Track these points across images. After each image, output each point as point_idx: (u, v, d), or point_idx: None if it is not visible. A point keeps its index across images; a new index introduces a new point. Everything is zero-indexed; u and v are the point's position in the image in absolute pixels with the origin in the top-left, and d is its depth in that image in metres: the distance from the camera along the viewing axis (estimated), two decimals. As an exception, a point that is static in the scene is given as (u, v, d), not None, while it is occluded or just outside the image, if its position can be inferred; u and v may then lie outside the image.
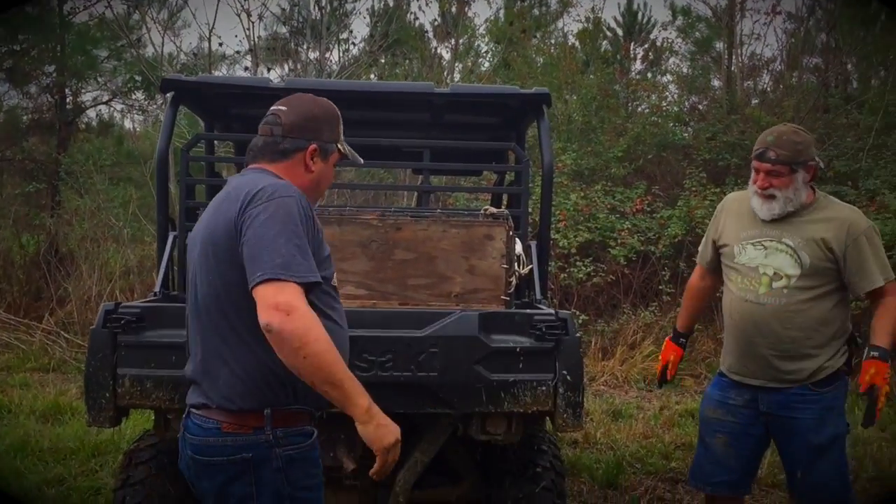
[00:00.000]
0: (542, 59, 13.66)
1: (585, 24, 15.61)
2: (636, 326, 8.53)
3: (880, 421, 6.24)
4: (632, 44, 16.30)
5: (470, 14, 14.68)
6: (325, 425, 2.28)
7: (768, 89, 13.33)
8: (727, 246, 3.29)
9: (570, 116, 11.08)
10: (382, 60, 13.99)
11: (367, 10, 13.95)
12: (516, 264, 3.57)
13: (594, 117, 11.01)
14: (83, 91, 12.86)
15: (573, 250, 8.81)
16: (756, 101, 12.91)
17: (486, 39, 15.30)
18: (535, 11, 16.41)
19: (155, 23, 11.78)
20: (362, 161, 2.57)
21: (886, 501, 4.72)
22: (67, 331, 8.67)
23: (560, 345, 2.99)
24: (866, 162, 9.63)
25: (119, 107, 13.85)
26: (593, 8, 18.68)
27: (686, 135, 11.30)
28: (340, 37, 13.01)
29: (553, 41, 15.44)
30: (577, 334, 3.04)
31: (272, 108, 2.34)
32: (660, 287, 8.93)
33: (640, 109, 12.43)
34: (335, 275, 2.31)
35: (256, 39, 11.78)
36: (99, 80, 12.60)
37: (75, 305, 9.13)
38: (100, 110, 13.98)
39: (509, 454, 3.43)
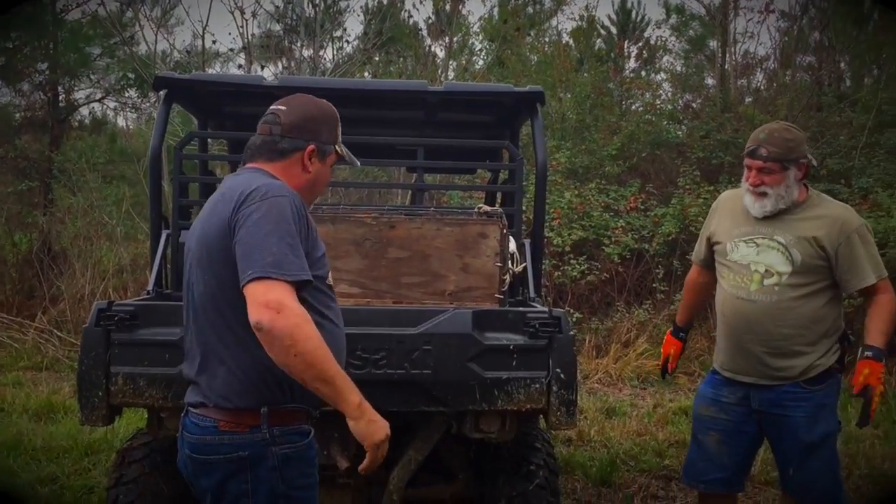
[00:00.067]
0: (536, 58, 13.68)
1: (579, 23, 15.66)
2: (630, 324, 8.55)
3: (873, 419, 6.30)
4: (626, 42, 16.30)
5: (464, 12, 14.70)
6: (318, 424, 2.28)
7: (762, 87, 13.34)
8: (720, 243, 3.31)
9: (564, 114, 11.09)
10: (376, 58, 13.96)
11: (361, 7, 13.95)
12: (510, 262, 3.58)
13: (588, 115, 11.02)
14: (76, 89, 12.82)
15: (567, 248, 8.83)
16: (750, 99, 12.94)
17: (481, 37, 15.31)
18: (530, 9, 16.41)
19: (148, 20, 11.74)
20: (359, 163, 2.59)
21: (879, 498, 4.74)
22: (60, 329, 8.65)
23: (554, 342, 2.99)
24: (859, 160, 9.66)
25: (112, 104, 13.79)
26: (587, 6, 18.71)
27: (680, 133, 11.31)
28: (334, 35, 13.01)
29: (547, 39, 15.47)
30: (571, 332, 3.04)
31: (271, 107, 2.35)
32: (653, 285, 8.94)
33: (633, 108, 12.44)
34: (330, 273, 2.32)
35: (250, 37, 11.73)
36: (92, 77, 12.54)
37: (68, 304, 9.11)
38: (93, 108, 13.94)
39: (503, 452, 3.43)
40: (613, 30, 16.86)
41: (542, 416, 3.18)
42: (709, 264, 3.44)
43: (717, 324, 3.42)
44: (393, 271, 3.37)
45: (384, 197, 11.38)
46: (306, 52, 13.15)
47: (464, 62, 14.67)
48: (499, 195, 5.10)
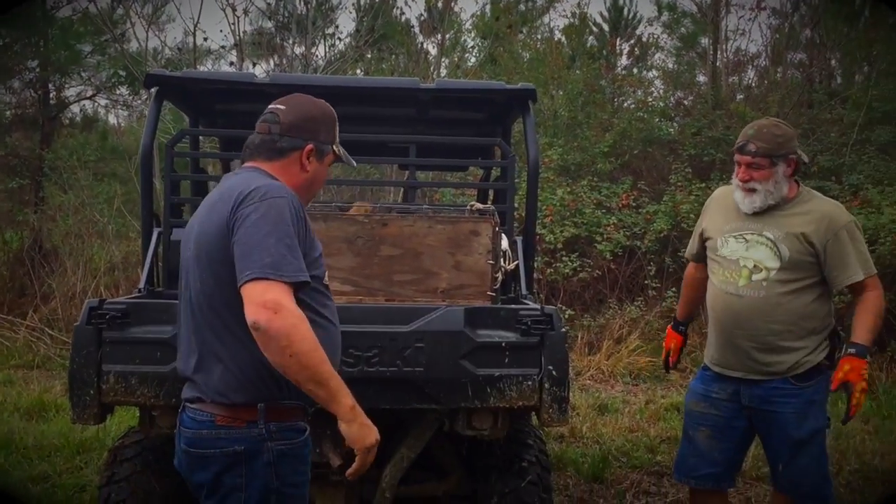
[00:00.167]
0: (528, 55, 13.68)
1: (571, 20, 15.66)
2: (622, 321, 8.57)
3: (863, 414, 6.34)
4: (618, 39, 16.33)
5: (456, 9, 14.69)
6: (311, 421, 2.28)
7: (753, 85, 13.39)
8: (711, 239, 3.33)
9: (556, 112, 11.11)
10: (368, 56, 13.95)
11: (353, 4, 13.87)
12: (502, 260, 3.58)
13: (580, 112, 11.03)
14: (67, 86, 12.75)
15: (559, 245, 8.84)
16: (741, 96, 12.97)
17: (473, 35, 15.30)
18: (522, 7, 16.40)
19: (139, 17, 11.71)
20: (355, 164, 2.61)
21: (870, 494, 4.77)
22: (52, 327, 8.62)
23: (545, 339, 3.00)
24: (850, 157, 9.71)
25: (103, 102, 13.74)
26: (579, 3, 18.65)
27: (672, 130, 11.35)
28: (326, 32, 12.97)
29: (539, 36, 15.47)
30: (563, 329, 3.05)
31: (270, 106, 2.37)
32: (645, 282, 8.97)
33: (625, 105, 12.47)
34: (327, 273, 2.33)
35: (242, 34, 11.72)
36: (83, 75, 12.48)
37: (59, 302, 9.07)
38: (84, 105, 13.89)
39: (495, 449, 3.44)
40: (605, 27, 16.89)
41: (534, 412, 3.19)
42: (703, 259, 3.45)
43: (707, 319, 3.43)
44: (385, 269, 3.38)
45: (376, 194, 11.37)
46: (298, 50, 13.13)
47: (456, 59, 14.67)
48: (491, 192, 5.10)
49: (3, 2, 8.77)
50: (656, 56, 15.31)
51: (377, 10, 13.07)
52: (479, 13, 15.18)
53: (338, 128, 2.43)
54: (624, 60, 16.10)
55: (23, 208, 11.07)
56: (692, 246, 3.52)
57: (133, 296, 3.67)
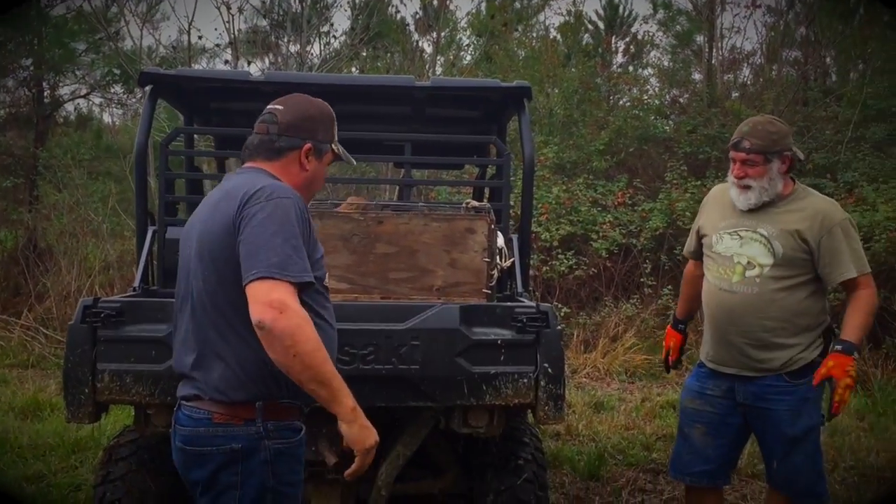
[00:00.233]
0: (523, 53, 13.69)
1: (567, 18, 15.70)
2: (618, 319, 8.58)
3: (858, 411, 6.36)
4: (613, 37, 16.36)
5: (451, 7, 14.69)
6: (307, 420, 2.28)
7: (748, 82, 13.43)
8: (707, 236, 3.33)
9: (551, 110, 11.11)
10: (364, 54, 13.94)
11: (348, 2, 13.85)
12: (498, 257, 3.58)
13: (576, 110, 11.05)
14: (61, 84, 12.75)
15: (555, 243, 8.85)
16: (736, 94, 13.01)
17: (468, 33, 15.32)
18: (517, 4, 16.42)
19: (133, 15, 11.68)
20: (355, 162, 2.61)
21: (865, 491, 4.78)
22: (46, 326, 8.60)
23: (541, 337, 2.99)
24: (845, 154, 9.73)
25: (97, 100, 13.75)
26: (575, 1, 18.67)
27: (667, 128, 11.36)
28: (321, 30, 12.96)
29: (535, 34, 15.51)
30: (559, 327, 3.05)
31: (269, 106, 2.38)
32: (641, 280, 8.98)
33: (621, 103, 12.49)
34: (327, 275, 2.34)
35: (236, 32, 11.70)
36: (77, 73, 12.48)
37: (54, 301, 9.05)
38: (78, 104, 13.87)
39: (491, 447, 3.44)
40: (601, 25, 16.91)
41: (530, 410, 3.18)
42: (701, 257, 3.45)
43: (703, 315, 3.44)
44: (381, 267, 3.37)
45: (372, 192, 11.36)
46: (293, 48, 13.12)
47: (451, 57, 14.67)
48: (486, 190, 5.10)
49: (2, 2, 8.75)
50: (652, 54, 15.38)
51: (372, 7, 13.05)
52: (474, 11, 15.20)
53: (336, 126, 2.43)
54: (619, 58, 16.14)
55: (17, 207, 11.06)
56: (690, 244, 3.53)
57: (128, 294, 3.66)
